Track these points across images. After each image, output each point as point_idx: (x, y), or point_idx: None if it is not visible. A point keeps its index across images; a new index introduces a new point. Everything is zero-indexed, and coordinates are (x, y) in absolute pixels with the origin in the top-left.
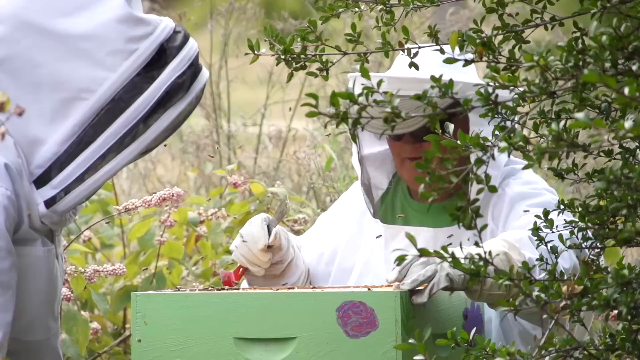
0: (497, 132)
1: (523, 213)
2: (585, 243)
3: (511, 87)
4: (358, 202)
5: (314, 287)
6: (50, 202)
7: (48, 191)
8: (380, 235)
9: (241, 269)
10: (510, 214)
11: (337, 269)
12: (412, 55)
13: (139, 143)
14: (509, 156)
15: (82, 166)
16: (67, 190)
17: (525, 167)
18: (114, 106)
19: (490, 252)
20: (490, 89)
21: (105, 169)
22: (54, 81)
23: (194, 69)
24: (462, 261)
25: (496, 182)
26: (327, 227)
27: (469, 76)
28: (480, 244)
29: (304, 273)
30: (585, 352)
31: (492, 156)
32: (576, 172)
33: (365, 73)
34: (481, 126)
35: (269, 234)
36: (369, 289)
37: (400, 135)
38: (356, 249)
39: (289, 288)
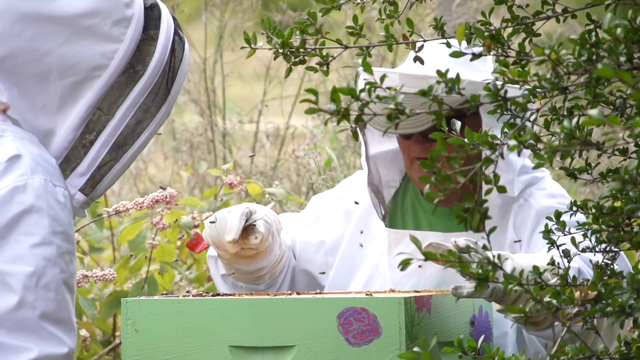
0: (506, 130)
1: None
2: (599, 246)
3: (521, 83)
4: (365, 195)
5: (314, 293)
6: (85, 189)
7: (77, 179)
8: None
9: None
10: (537, 228)
11: (340, 264)
12: (417, 49)
13: (167, 104)
14: (519, 155)
15: (106, 145)
16: (99, 172)
17: (536, 167)
18: (126, 77)
19: (499, 256)
20: (499, 85)
21: (140, 140)
22: (63, 66)
23: (177, 21)
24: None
25: (512, 187)
26: (329, 214)
27: (485, 75)
28: (489, 247)
29: (277, 256)
30: None
31: (501, 155)
32: (589, 171)
33: (367, 67)
34: (494, 127)
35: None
36: (368, 295)
37: (409, 134)
38: (362, 246)
39: (288, 293)
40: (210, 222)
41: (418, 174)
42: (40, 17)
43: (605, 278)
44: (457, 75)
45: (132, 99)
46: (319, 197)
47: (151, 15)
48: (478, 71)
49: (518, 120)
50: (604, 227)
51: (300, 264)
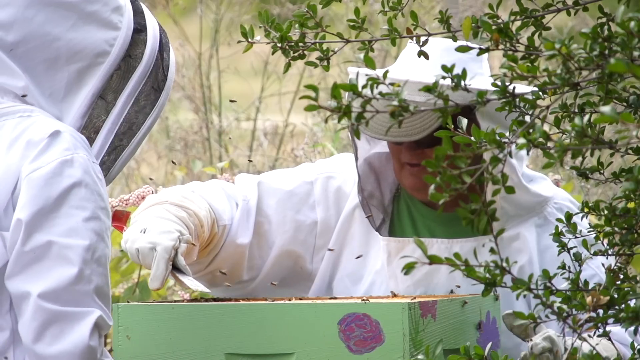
0: (514, 128)
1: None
2: (611, 249)
3: (530, 78)
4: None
5: (314, 298)
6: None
7: None
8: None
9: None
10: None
11: (333, 254)
12: (421, 43)
13: (166, 89)
14: (528, 153)
15: (111, 132)
16: (110, 158)
17: (546, 166)
18: (124, 65)
19: (507, 260)
20: (507, 81)
21: (145, 125)
22: (71, 52)
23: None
24: (478, 269)
25: (520, 189)
26: (320, 193)
27: (483, 78)
28: (497, 250)
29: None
30: None
31: (510, 154)
32: (602, 171)
33: (370, 63)
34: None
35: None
36: (365, 300)
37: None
38: (350, 238)
39: (287, 299)
40: (128, 247)
41: (408, 179)
42: (50, 1)
43: (618, 282)
44: (464, 69)
45: (133, 85)
46: (307, 170)
47: (134, 7)
48: (473, 73)
49: (527, 118)
50: (616, 229)
51: (290, 243)
